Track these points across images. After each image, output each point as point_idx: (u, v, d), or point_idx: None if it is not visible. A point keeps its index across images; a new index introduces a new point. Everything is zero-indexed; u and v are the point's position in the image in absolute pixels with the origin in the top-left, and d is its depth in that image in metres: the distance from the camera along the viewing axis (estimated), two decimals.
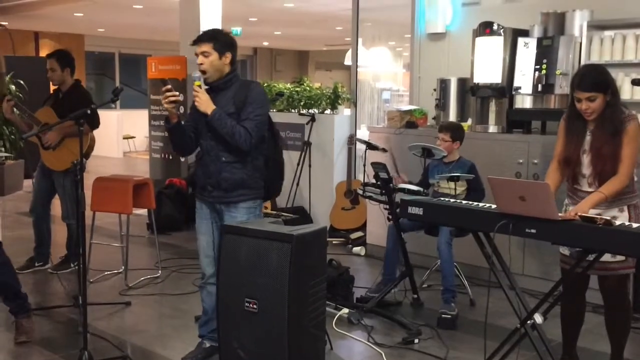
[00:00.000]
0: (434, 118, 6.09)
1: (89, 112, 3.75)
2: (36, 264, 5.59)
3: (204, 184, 3.66)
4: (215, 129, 3.51)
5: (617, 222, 2.95)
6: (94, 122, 5.30)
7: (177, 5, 8.81)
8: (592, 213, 3.08)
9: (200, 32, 3.66)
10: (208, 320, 3.77)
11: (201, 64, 3.54)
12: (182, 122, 3.65)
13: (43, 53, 13.55)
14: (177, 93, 3.51)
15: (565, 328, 3.61)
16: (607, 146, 3.25)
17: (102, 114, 5.32)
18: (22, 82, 10.25)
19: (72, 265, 5.57)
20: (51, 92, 5.78)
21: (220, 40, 3.57)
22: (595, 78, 3.26)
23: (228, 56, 3.58)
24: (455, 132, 4.83)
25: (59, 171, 5.33)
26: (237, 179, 3.57)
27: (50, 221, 5.69)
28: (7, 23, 12.84)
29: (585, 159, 3.34)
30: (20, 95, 9.95)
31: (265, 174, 3.69)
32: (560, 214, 3.03)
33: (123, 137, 15.88)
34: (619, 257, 3.24)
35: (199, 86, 3.52)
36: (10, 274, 4.08)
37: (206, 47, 3.53)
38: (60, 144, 5.34)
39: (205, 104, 3.49)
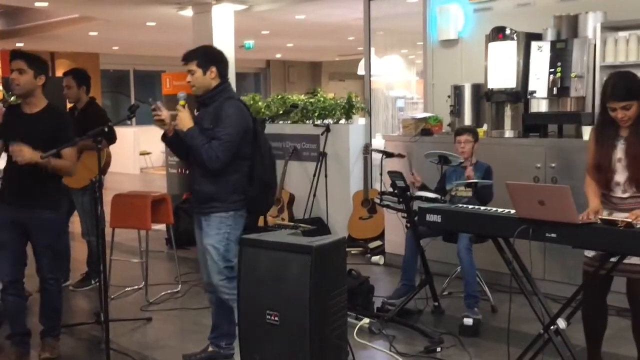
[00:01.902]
0: (449, 125, 6.08)
1: (106, 129, 3.80)
2: None
3: (191, 194, 3.86)
4: (188, 146, 3.61)
5: None
6: (111, 138, 5.35)
7: (190, 21, 8.88)
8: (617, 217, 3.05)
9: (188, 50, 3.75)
10: (213, 326, 3.93)
11: (189, 81, 3.68)
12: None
13: (59, 73, 13.72)
14: (161, 113, 3.61)
15: (588, 332, 3.56)
16: None
17: (119, 130, 5.38)
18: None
19: (92, 282, 5.60)
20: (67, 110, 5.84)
21: (202, 56, 3.69)
22: (627, 86, 3.24)
23: (213, 70, 3.67)
24: (475, 133, 4.86)
25: (77, 189, 5.37)
26: (207, 192, 3.66)
27: (69, 239, 5.73)
28: (23, 44, 13.02)
29: (620, 167, 3.31)
30: None
31: (246, 189, 3.69)
32: (599, 217, 3.01)
33: (140, 153, 15.99)
34: None
35: (183, 106, 3.63)
36: (60, 297, 4.14)
37: (191, 66, 3.66)
38: (77, 161, 5.38)
39: (183, 122, 3.60)
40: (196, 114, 3.88)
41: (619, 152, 3.32)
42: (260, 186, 3.73)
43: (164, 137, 3.78)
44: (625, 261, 3.17)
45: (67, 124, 4.02)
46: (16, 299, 3.97)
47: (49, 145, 3.72)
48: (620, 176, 3.32)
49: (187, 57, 3.68)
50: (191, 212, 7.32)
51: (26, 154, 3.70)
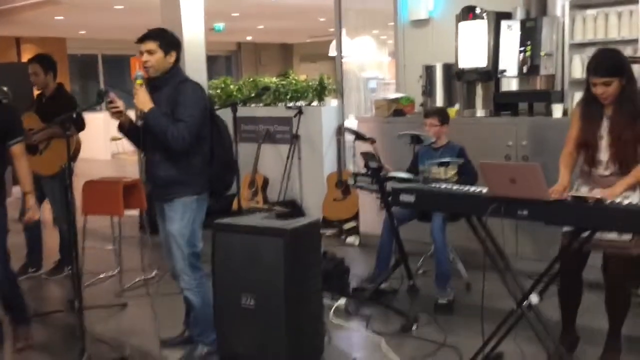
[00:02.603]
0: (421, 105, 6.09)
1: (74, 116, 3.74)
2: (29, 270, 5.56)
3: (149, 181, 3.74)
4: (150, 127, 3.53)
5: (631, 200, 2.98)
6: (80, 125, 5.27)
7: (159, 4, 8.74)
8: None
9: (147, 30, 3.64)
10: (187, 312, 3.88)
11: (146, 61, 3.57)
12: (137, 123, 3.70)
13: (25, 58, 13.45)
14: (119, 105, 3.55)
15: (563, 306, 3.63)
16: (628, 131, 3.26)
17: (88, 116, 5.28)
18: (5, 89, 10.15)
19: (65, 269, 5.54)
20: (35, 97, 5.75)
21: (166, 38, 3.60)
22: (611, 63, 3.27)
23: (173, 55, 3.61)
24: (443, 116, 4.85)
25: (46, 176, 5.29)
26: (170, 177, 3.58)
27: (41, 227, 5.65)
28: None
29: (603, 145, 3.34)
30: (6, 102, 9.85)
31: (208, 171, 3.66)
32: (570, 193, 3.05)
33: (111, 139, 15.79)
34: (625, 237, 3.21)
35: (140, 85, 3.54)
36: (17, 287, 4.06)
37: (152, 45, 3.56)
38: (47, 148, 5.30)
39: (143, 102, 3.52)
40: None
41: (602, 130, 3.34)
42: (221, 166, 3.71)
43: (121, 128, 3.71)
44: (602, 237, 3.21)
45: (15, 116, 3.95)
46: None
47: None
48: (603, 154, 3.35)
49: (148, 37, 3.58)
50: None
51: (36, 211, 3.88)
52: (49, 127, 4.24)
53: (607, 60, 3.29)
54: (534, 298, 3.29)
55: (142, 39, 3.59)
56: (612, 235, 3.22)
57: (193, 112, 3.51)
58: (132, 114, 3.79)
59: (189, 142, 3.50)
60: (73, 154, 5.35)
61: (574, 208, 2.95)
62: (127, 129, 3.71)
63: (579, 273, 3.55)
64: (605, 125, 3.35)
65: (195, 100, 3.56)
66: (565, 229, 3.44)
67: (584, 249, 3.28)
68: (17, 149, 3.81)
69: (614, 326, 3.51)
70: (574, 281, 3.57)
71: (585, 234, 3.15)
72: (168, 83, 3.61)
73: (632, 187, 3.28)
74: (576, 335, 3.68)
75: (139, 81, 3.55)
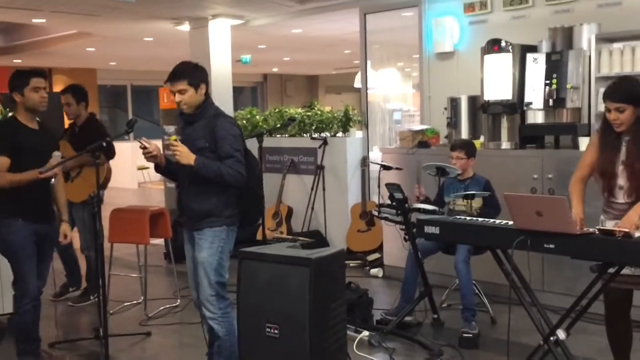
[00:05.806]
0: (446, 137, 6.10)
1: (104, 144, 3.82)
2: (70, 290, 5.71)
3: (181, 212, 3.78)
4: (203, 176, 3.54)
5: None
6: (110, 153, 5.37)
7: (187, 36, 8.92)
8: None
9: (174, 68, 3.66)
10: (210, 342, 3.83)
11: (180, 101, 3.60)
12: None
13: (57, 88, 13.73)
14: (153, 149, 3.59)
15: (613, 349, 3.49)
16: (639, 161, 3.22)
17: (116, 145, 5.39)
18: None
19: (91, 297, 5.59)
20: (66, 127, 5.87)
21: (194, 73, 3.64)
22: (626, 89, 3.25)
23: (203, 87, 3.65)
24: (470, 149, 4.85)
25: (77, 203, 5.38)
26: (203, 209, 3.61)
27: (74, 250, 5.71)
28: (21, 60, 13.06)
29: (622, 171, 3.29)
30: None
31: (238, 203, 3.69)
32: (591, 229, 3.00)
33: (137, 168, 15.98)
34: None
35: (175, 140, 3.57)
36: (37, 317, 4.10)
37: (182, 85, 3.59)
38: (78, 175, 5.41)
39: (186, 156, 3.53)
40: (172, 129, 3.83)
41: (622, 155, 3.30)
42: (249, 198, 3.74)
43: (158, 168, 3.76)
44: (635, 273, 3.15)
45: None
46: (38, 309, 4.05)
47: None
48: (624, 180, 3.29)
49: (176, 76, 3.60)
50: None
51: None
52: (79, 155, 4.33)
53: (622, 87, 3.27)
54: (561, 334, 3.24)
55: (170, 80, 3.63)
56: None
57: (238, 147, 3.58)
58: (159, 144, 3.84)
59: (246, 175, 3.56)
60: (103, 182, 5.45)
61: (601, 242, 2.91)
62: (163, 169, 3.75)
63: (625, 313, 3.40)
64: (624, 151, 3.29)
65: (235, 134, 3.62)
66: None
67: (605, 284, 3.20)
68: None
69: None
70: (620, 321, 3.42)
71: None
72: (202, 116, 3.65)
73: None
74: None
75: (173, 137, 3.59)
